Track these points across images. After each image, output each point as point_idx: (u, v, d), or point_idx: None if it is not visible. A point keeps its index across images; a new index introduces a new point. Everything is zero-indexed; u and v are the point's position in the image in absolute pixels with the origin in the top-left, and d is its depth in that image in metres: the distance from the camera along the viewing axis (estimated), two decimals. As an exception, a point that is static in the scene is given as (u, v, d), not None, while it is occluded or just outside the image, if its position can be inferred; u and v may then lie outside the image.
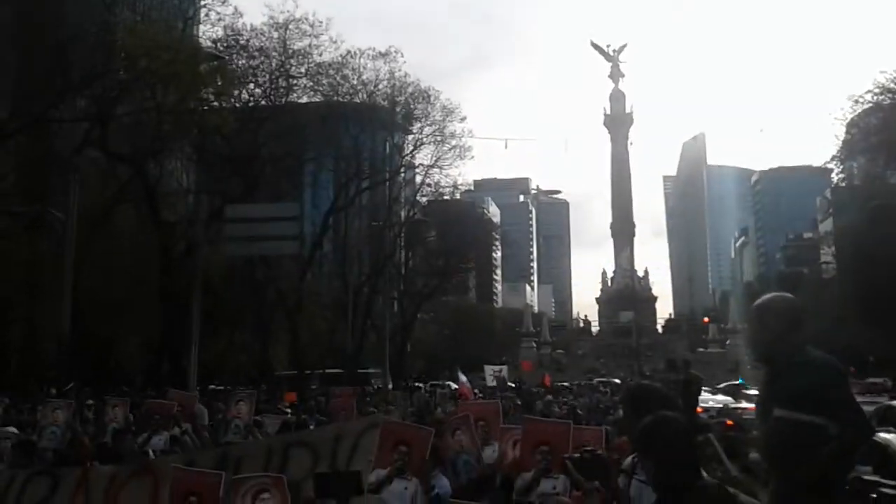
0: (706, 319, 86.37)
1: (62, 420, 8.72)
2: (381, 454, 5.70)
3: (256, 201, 29.42)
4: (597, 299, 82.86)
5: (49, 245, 24.29)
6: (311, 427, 13.77)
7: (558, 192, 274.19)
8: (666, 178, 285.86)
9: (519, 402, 16.52)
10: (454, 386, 33.52)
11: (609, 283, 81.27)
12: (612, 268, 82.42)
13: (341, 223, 49.15)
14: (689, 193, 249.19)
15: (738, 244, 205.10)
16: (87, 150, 23.65)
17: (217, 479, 5.61)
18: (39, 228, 24.41)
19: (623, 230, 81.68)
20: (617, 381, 36.99)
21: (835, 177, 56.23)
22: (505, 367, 34.13)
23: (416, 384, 39.25)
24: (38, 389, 33.40)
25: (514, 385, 34.15)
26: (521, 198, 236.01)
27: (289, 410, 17.49)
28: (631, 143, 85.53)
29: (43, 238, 23.73)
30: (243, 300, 38.61)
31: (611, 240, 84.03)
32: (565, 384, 34.42)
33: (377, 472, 5.40)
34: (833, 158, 46.03)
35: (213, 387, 34.92)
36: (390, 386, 34.03)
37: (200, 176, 42.21)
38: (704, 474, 3.90)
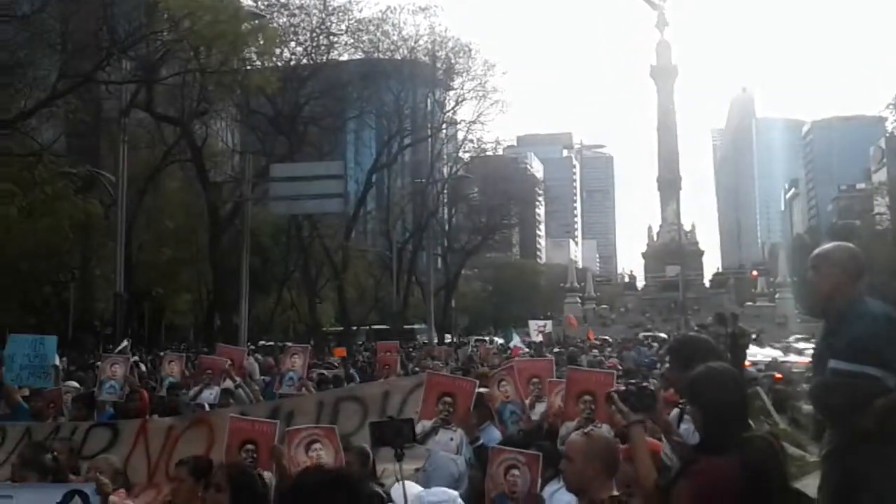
0: (755, 273, 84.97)
1: (120, 375, 8.98)
2: (426, 406, 5.78)
3: (300, 160, 29.63)
4: (642, 254, 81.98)
5: (101, 206, 24.85)
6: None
7: (602, 146, 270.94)
8: (714, 132, 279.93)
9: (565, 358, 16.55)
10: (499, 341, 33.71)
11: (655, 238, 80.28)
12: (658, 222, 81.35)
13: (384, 181, 49.30)
14: (738, 146, 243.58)
15: (787, 196, 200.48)
16: (134, 112, 23.95)
17: (272, 427, 5.76)
18: (91, 190, 24.95)
19: (669, 183, 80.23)
20: (663, 335, 36.74)
21: (889, 125, 54.40)
22: (549, 323, 34.21)
23: (461, 340, 39.56)
24: (95, 346, 34.56)
25: (558, 341, 34.21)
26: (565, 152, 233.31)
27: (336, 365, 17.84)
28: (677, 95, 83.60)
29: (95, 199, 24.29)
30: (291, 258, 39.18)
31: (656, 194, 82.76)
32: (608, 339, 34.34)
33: (423, 423, 5.48)
34: (888, 107, 44.51)
35: (262, 342, 35.69)
36: (435, 341, 34.35)
37: (245, 136, 42.59)
38: (752, 426, 3.89)
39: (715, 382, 3.57)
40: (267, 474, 5.22)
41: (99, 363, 11.18)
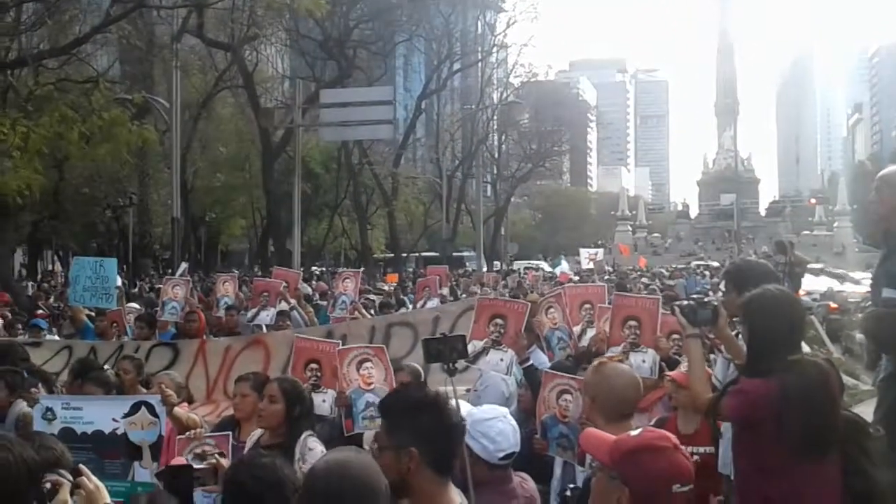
0: (813, 201, 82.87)
1: (181, 296, 9.29)
2: (478, 327, 5.85)
3: (350, 86, 29.49)
4: (697, 182, 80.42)
5: (156, 132, 25.22)
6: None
7: (657, 70, 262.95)
8: (776, 56, 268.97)
9: (613, 285, 16.53)
10: (547, 269, 33.76)
11: (710, 165, 78.53)
12: (714, 149, 79.41)
13: (434, 107, 48.85)
14: (800, 69, 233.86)
15: (850, 122, 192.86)
16: (185, 38, 24.01)
17: (334, 347, 5.96)
18: (146, 116, 25.29)
19: (727, 109, 77.90)
20: (715, 264, 36.27)
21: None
22: (600, 251, 34.01)
23: (510, 267, 39.66)
24: (154, 269, 35.66)
25: (608, 269, 34.06)
26: (619, 77, 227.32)
27: (387, 290, 18.12)
28: (738, 17, 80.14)
29: (150, 125, 24.64)
30: (341, 185, 39.47)
31: (713, 120, 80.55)
32: (663, 270, 34.05)
33: (473, 343, 5.56)
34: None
35: (314, 268, 36.40)
36: (484, 269, 34.50)
37: (295, 62, 42.43)
38: (808, 350, 3.85)
39: (766, 305, 3.52)
40: (330, 392, 5.42)
41: (160, 286, 11.57)
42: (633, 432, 2.41)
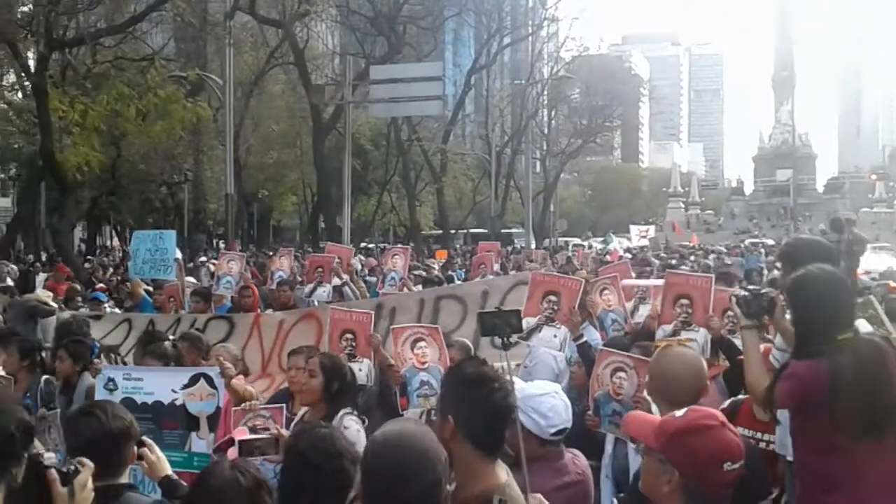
0: (873, 177, 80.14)
1: (236, 271, 9.47)
2: (531, 303, 5.84)
3: (400, 62, 29.46)
4: (753, 158, 78.52)
5: (210, 109, 25.59)
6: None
7: (712, 43, 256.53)
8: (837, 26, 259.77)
9: (672, 262, 16.34)
10: (597, 246, 33.42)
11: (766, 140, 76.54)
12: (770, 124, 77.33)
13: (483, 82, 48.49)
14: (861, 40, 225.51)
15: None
16: (238, 15, 24.25)
17: (368, 317, 6.02)
18: (200, 93, 25.67)
19: (784, 82, 75.61)
20: (770, 242, 35.46)
21: None
22: (651, 228, 33.65)
23: (559, 244, 39.42)
24: (208, 244, 36.36)
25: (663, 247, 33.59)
26: (672, 51, 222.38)
27: (435, 267, 18.16)
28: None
29: (204, 103, 25.02)
30: (390, 162, 39.60)
31: (770, 94, 78.36)
32: (721, 246, 33.42)
33: (527, 320, 5.55)
34: None
35: (364, 244, 36.69)
36: (533, 246, 34.33)
37: (345, 38, 42.53)
38: (863, 329, 3.74)
39: (807, 287, 3.46)
40: (366, 361, 5.48)
41: (215, 260, 11.77)
42: (678, 413, 2.37)
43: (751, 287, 3.88)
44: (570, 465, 3.12)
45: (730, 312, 5.32)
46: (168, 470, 3.02)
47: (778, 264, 13.45)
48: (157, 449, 3.04)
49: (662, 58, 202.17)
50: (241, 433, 3.98)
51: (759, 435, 3.99)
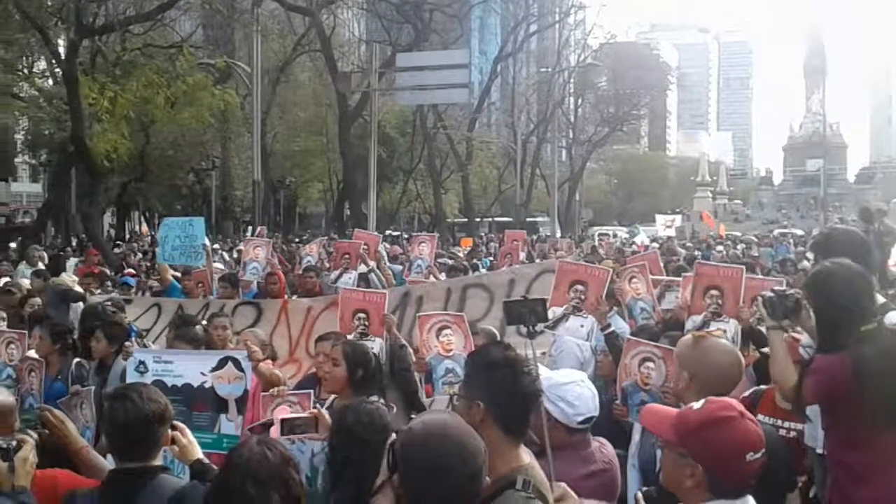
0: (906, 168, 78.84)
1: (262, 257, 9.53)
2: (557, 293, 5.82)
3: (426, 50, 29.40)
4: (783, 148, 77.54)
5: (237, 97, 25.77)
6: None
7: (742, 31, 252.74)
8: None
9: (697, 253, 16.22)
10: (623, 235, 33.23)
11: (796, 130, 75.53)
12: (801, 113, 76.27)
13: (509, 70, 48.23)
14: (892, 26, 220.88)
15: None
16: (265, 3, 24.35)
17: (382, 297, 6.04)
18: (227, 81, 25.83)
19: (815, 69, 74.60)
20: (799, 232, 35.04)
21: None
22: (678, 217, 33.31)
23: (584, 234, 39.22)
24: (236, 231, 36.66)
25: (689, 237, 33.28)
26: (701, 38, 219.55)
27: (460, 255, 18.16)
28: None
29: (232, 90, 25.20)
30: (415, 150, 39.59)
31: (800, 83, 77.24)
32: (751, 236, 33.04)
33: (553, 309, 5.53)
34: None
35: (389, 231, 36.74)
36: (558, 234, 34.20)
37: (371, 25, 42.49)
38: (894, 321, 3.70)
39: (825, 282, 3.50)
40: (378, 340, 5.49)
41: (242, 246, 11.85)
42: (696, 405, 2.34)
43: (777, 288, 3.87)
44: (597, 453, 3.12)
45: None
46: (199, 454, 3.06)
47: (809, 255, 13.31)
48: (188, 433, 3.09)
49: (691, 45, 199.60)
50: (283, 411, 4.05)
51: (780, 423, 3.98)
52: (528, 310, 3.18)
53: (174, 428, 3.04)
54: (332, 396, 4.42)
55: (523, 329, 3.16)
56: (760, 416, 3.97)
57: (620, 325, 5.82)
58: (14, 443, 2.62)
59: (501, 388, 2.51)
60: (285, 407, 4.21)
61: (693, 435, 2.25)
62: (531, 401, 2.59)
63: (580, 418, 3.08)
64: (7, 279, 10.54)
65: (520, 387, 2.53)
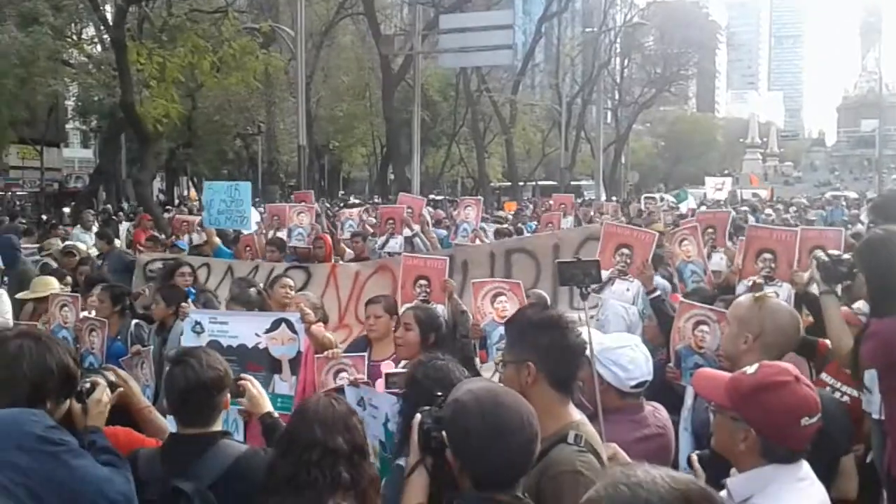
0: (967, 128, 75.95)
1: (307, 223, 9.61)
2: (603, 256, 5.77)
3: (470, 11, 29.03)
4: (836, 108, 75.28)
5: (282, 61, 25.79)
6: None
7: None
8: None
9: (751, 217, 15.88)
10: (670, 199, 32.71)
11: (850, 89, 73.18)
12: (856, 72, 73.79)
13: (554, 30, 47.45)
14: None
15: None
16: (308, -35, 24.29)
17: (442, 263, 6.07)
18: (271, 45, 25.86)
19: (871, 28, 72.08)
20: (853, 195, 34.11)
21: None
22: (728, 180, 32.64)
23: (630, 197, 38.76)
24: (281, 196, 37.01)
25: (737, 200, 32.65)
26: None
27: (506, 218, 18.10)
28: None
29: (276, 54, 25.22)
30: (459, 113, 39.35)
31: (855, 41, 74.58)
32: (802, 199, 32.30)
33: (600, 272, 5.51)
34: None
35: (432, 196, 36.75)
36: (603, 198, 33.84)
37: (414, -14, 42.05)
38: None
39: (875, 248, 3.50)
40: (440, 307, 5.54)
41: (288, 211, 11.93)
42: (749, 369, 2.32)
43: (832, 252, 3.81)
44: (651, 417, 3.12)
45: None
46: (269, 406, 3.13)
47: (863, 217, 12.98)
48: (257, 384, 3.16)
49: (741, 2, 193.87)
50: (389, 367, 4.24)
51: (840, 385, 3.94)
52: (582, 271, 3.18)
53: (242, 379, 3.14)
54: (404, 363, 4.50)
55: (576, 297, 3.16)
56: (824, 375, 3.95)
57: (661, 284, 5.81)
58: (88, 385, 2.75)
59: (550, 346, 2.54)
60: (390, 363, 4.34)
61: (747, 399, 2.24)
62: (578, 355, 2.63)
63: (633, 382, 3.09)
64: (68, 242, 10.85)
65: (566, 343, 2.56)
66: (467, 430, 2.15)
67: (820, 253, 3.86)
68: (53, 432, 2.42)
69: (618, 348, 3.14)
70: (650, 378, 3.17)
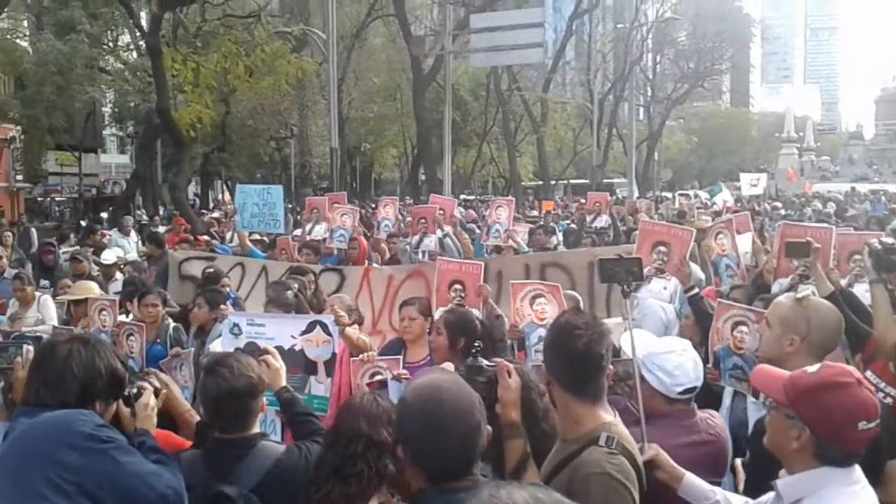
0: None
1: (349, 224, 9.68)
2: (640, 255, 5.72)
3: (500, 10, 28.97)
4: (875, 101, 73.80)
5: (313, 64, 25.99)
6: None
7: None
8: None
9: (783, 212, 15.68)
10: (703, 196, 32.34)
11: (890, 81, 71.65)
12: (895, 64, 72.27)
13: (585, 27, 47.16)
14: None
15: None
16: (338, -33, 24.41)
17: (478, 268, 6.06)
18: (303, 49, 26.08)
19: (913, 17, 70.35)
20: (892, 189, 33.45)
21: None
22: (763, 176, 32.12)
23: (663, 195, 38.37)
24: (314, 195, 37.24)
25: (772, 196, 32.17)
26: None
27: (541, 218, 18.03)
28: None
29: (308, 57, 25.43)
30: (490, 112, 39.29)
31: (893, 31, 73.04)
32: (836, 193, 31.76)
33: (636, 271, 5.47)
34: None
35: (463, 196, 36.77)
36: (636, 196, 33.56)
37: (444, -14, 42.04)
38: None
39: None
40: (475, 311, 5.54)
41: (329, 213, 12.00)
42: (811, 369, 2.28)
43: (885, 240, 3.72)
44: (702, 423, 3.07)
45: (857, 256, 5.12)
46: (284, 381, 3.29)
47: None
48: (279, 357, 3.31)
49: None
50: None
51: (884, 386, 3.85)
52: (624, 269, 3.14)
53: (267, 352, 3.26)
54: (423, 358, 4.51)
55: (613, 294, 3.15)
56: (868, 374, 3.86)
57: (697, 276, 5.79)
58: (135, 390, 2.85)
59: (558, 351, 2.58)
60: (380, 372, 4.35)
61: (805, 397, 2.21)
62: (586, 360, 2.55)
63: (680, 388, 3.03)
64: (107, 253, 11.04)
65: (573, 349, 2.53)
66: (410, 428, 2.20)
67: (874, 241, 3.78)
68: (102, 430, 2.49)
69: (664, 353, 3.08)
70: (699, 384, 3.10)
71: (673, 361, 3.05)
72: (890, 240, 3.80)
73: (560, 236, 13.64)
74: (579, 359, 2.53)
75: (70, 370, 2.58)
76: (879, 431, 2.23)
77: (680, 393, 3.03)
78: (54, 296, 8.00)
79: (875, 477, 2.88)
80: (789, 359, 3.04)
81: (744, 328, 4.21)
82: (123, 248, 13.87)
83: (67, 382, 2.56)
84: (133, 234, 15.77)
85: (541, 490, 1.44)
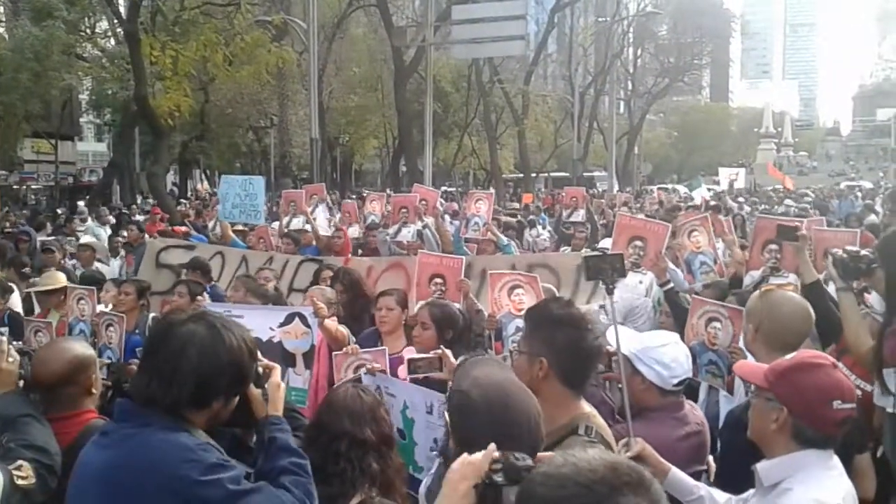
0: None
1: (378, 210, 9.68)
2: (616, 248, 5.77)
3: (482, 2, 28.90)
4: (852, 97, 74.61)
5: (294, 53, 25.81)
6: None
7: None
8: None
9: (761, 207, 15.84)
10: (682, 190, 32.58)
11: (866, 78, 72.46)
12: (872, 60, 73.04)
13: (566, 20, 47.21)
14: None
15: None
16: (320, -43, 24.24)
17: (458, 262, 6.07)
18: (283, 38, 25.89)
19: (888, 15, 71.19)
20: (868, 185, 33.87)
21: None
22: (742, 171, 32.45)
23: (644, 187, 38.60)
24: (292, 188, 37.06)
25: (749, 190, 32.46)
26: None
27: (519, 209, 18.10)
28: None
29: (288, 47, 25.25)
30: (471, 104, 39.25)
31: (871, 27, 73.79)
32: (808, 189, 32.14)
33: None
34: None
35: (444, 188, 36.72)
36: (616, 190, 33.70)
37: (426, -23, 41.89)
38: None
39: (893, 245, 3.43)
40: (456, 305, 5.57)
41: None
42: (789, 356, 2.37)
43: (849, 248, 3.79)
44: (690, 415, 3.11)
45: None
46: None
47: (878, 207, 12.87)
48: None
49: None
50: (410, 352, 4.28)
51: (854, 379, 3.92)
52: (608, 265, 3.18)
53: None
54: (400, 350, 4.52)
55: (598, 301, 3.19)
56: (840, 366, 3.93)
57: (676, 279, 5.83)
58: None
59: (565, 345, 2.53)
60: (412, 348, 4.38)
61: (781, 378, 2.28)
62: (594, 358, 2.62)
63: (676, 380, 3.06)
64: (86, 238, 10.95)
65: (584, 345, 2.54)
66: (472, 426, 2.06)
67: (837, 249, 3.83)
68: (211, 472, 2.04)
69: (659, 346, 3.11)
70: (691, 375, 3.16)
71: (669, 354, 3.08)
72: (854, 248, 3.87)
73: (542, 231, 13.72)
74: (586, 354, 2.56)
75: (187, 361, 2.14)
76: (854, 416, 2.29)
77: (675, 385, 3.07)
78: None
79: (846, 469, 2.94)
80: (754, 350, 3.15)
81: (717, 324, 4.26)
82: (98, 237, 13.75)
83: (182, 377, 2.13)
84: (108, 226, 15.64)
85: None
